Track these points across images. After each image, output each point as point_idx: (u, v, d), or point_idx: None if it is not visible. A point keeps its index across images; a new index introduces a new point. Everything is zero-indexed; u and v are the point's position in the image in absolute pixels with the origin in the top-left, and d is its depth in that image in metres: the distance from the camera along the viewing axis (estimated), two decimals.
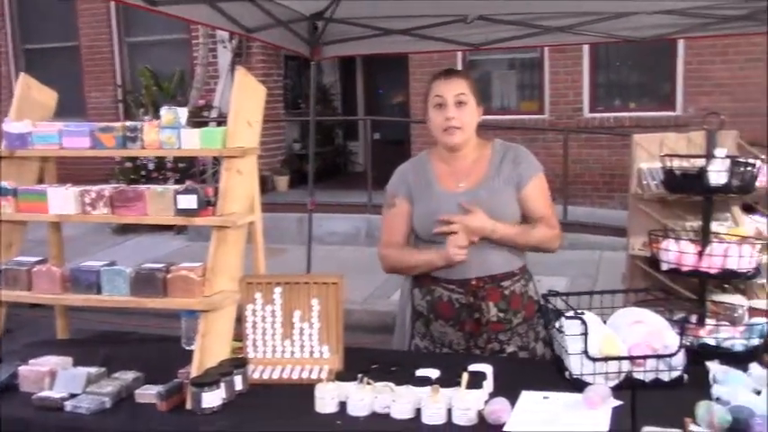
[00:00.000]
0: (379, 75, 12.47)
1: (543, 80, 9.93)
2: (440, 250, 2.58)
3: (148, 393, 2.20)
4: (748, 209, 3.54)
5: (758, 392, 2.06)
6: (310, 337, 2.43)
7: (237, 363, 2.29)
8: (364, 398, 2.09)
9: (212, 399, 2.11)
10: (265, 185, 10.44)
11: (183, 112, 2.42)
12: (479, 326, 2.62)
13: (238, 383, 2.23)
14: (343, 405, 2.12)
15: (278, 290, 2.44)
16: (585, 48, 9.50)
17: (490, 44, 5.04)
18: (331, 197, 9.27)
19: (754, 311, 2.72)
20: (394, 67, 10.91)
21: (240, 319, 2.45)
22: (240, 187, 2.45)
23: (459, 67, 9.71)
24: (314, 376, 2.33)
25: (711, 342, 2.44)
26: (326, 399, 2.11)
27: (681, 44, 9.24)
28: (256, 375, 2.36)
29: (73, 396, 2.21)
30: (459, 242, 2.53)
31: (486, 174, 2.67)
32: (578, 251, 7.77)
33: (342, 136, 12.70)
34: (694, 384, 2.19)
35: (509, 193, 2.65)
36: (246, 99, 2.49)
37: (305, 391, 2.19)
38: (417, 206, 2.69)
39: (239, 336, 2.47)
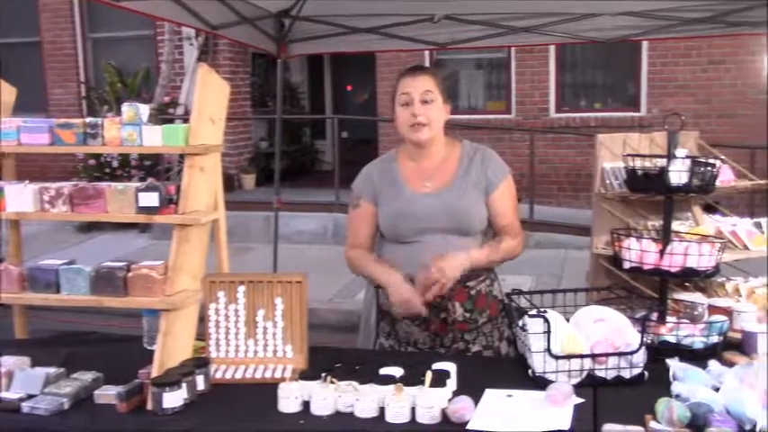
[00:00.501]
0: (347, 73, 12.46)
1: (510, 80, 10.00)
2: (396, 282, 2.54)
3: (108, 394, 2.17)
4: (709, 208, 3.60)
5: (717, 389, 2.09)
6: (274, 336, 2.42)
7: (200, 362, 2.26)
8: (327, 397, 2.08)
9: (173, 399, 2.08)
10: (232, 184, 10.37)
11: (144, 109, 2.38)
12: (445, 325, 2.63)
13: (200, 383, 2.21)
14: (306, 404, 2.11)
15: (241, 289, 2.42)
16: (551, 48, 9.59)
17: (456, 44, 5.06)
18: (298, 196, 9.22)
19: (713, 309, 2.75)
20: (362, 65, 10.91)
21: (203, 319, 2.42)
22: (203, 185, 2.42)
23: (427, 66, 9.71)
24: (277, 375, 2.32)
25: (672, 339, 2.47)
26: (290, 398, 2.10)
27: (645, 46, 9.36)
28: (219, 375, 2.34)
29: (30, 397, 2.17)
30: (422, 299, 2.51)
31: (454, 174, 2.66)
32: (544, 250, 7.84)
33: (309, 135, 12.66)
34: (655, 381, 2.22)
35: (476, 196, 2.65)
36: (210, 96, 2.46)
37: (268, 390, 2.17)
38: (383, 207, 2.68)
39: (202, 335, 2.44)
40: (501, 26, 4.77)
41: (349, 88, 12.76)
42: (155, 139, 2.35)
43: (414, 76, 2.63)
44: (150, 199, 2.30)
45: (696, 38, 7.37)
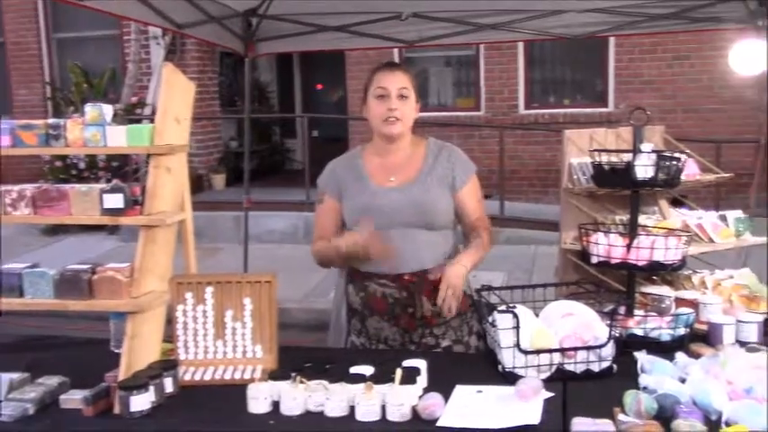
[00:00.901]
0: (316, 72, 12.41)
1: (479, 77, 10.04)
2: (348, 239, 2.53)
3: (74, 398, 2.13)
4: (677, 202, 3.64)
5: (684, 380, 2.12)
6: (243, 336, 2.40)
7: (168, 365, 2.23)
8: (297, 397, 2.07)
9: (141, 402, 2.06)
10: (201, 184, 10.30)
11: (108, 109, 2.35)
12: (414, 320, 2.63)
13: (169, 386, 2.18)
14: (276, 405, 2.10)
15: (209, 289, 2.39)
16: (520, 45, 9.64)
17: (425, 41, 5.07)
18: (269, 195, 9.18)
19: (680, 302, 2.78)
20: (331, 64, 10.88)
21: (171, 321, 2.40)
22: (169, 185, 2.39)
23: None
24: (247, 376, 2.30)
25: (639, 332, 2.50)
26: (259, 399, 2.08)
27: (612, 42, 9.46)
28: (188, 377, 2.31)
29: None
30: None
31: (420, 170, 2.67)
32: (514, 246, 7.89)
33: (280, 134, 12.60)
34: (623, 374, 2.24)
35: (442, 191, 2.66)
36: (175, 95, 2.44)
37: (238, 391, 2.15)
38: (347, 201, 2.68)
39: (170, 337, 2.42)
40: (468, 23, 4.79)
41: (319, 87, 12.71)
42: (119, 139, 2.32)
43: (391, 71, 2.64)
44: (115, 200, 2.27)
45: (661, 34, 7.45)
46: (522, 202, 9.44)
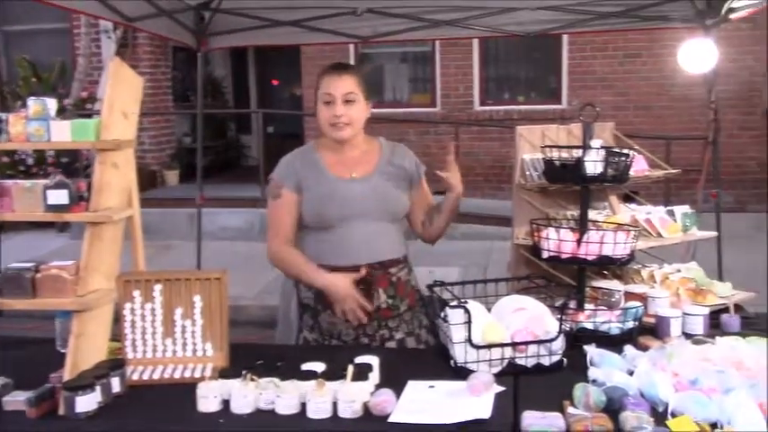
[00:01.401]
0: (271, 67, 12.32)
1: (434, 74, 10.06)
2: (333, 280, 2.57)
3: (17, 400, 2.08)
4: (628, 198, 3.69)
5: (632, 373, 2.15)
6: (193, 334, 2.36)
7: (115, 364, 2.19)
8: (248, 395, 2.04)
9: (87, 403, 2.01)
10: (154, 180, 10.15)
11: (52, 103, 2.29)
12: (369, 313, 2.63)
13: (116, 386, 2.14)
14: (227, 403, 2.07)
15: (158, 287, 2.35)
16: (475, 42, 9.70)
17: (380, 37, 5.06)
18: (223, 191, 9.10)
19: (629, 296, 2.83)
20: (287, 59, 10.80)
21: (118, 319, 2.35)
22: (116, 181, 2.34)
23: (352, 60, 9.71)
24: (197, 375, 2.27)
25: (589, 326, 2.53)
26: (209, 397, 2.06)
27: (565, 40, 9.57)
28: (136, 376, 2.27)
29: None
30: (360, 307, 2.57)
31: (378, 164, 2.71)
32: (470, 242, 7.93)
33: (234, 129, 12.47)
34: (574, 368, 2.26)
35: (401, 186, 2.72)
36: (122, 90, 2.39)
37: (187, 390, 2.12)
38: (307, 192, 2.66)
39: (118, 336, 2.37)
40: (423, 19, 4.79)
41: (275, 83, 12.62)
42: (63, 134, 2.26)
43: (338, 75, 2.63)
44: (59, 196, 2.21)
45: (612, 32, 7.56)
46: (478, 198, 9.49)
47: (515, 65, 10.21)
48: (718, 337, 2.43)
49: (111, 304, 2.30)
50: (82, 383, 2.03)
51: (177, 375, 2.28)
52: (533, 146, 3.15)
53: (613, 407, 1.96)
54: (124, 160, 2.38)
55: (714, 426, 1.83)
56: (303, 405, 2.03)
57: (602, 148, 2.64)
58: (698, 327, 2.61)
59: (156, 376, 2.28)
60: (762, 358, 2.16)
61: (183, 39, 4.85)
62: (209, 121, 10.49)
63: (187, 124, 11.25)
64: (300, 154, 2.78)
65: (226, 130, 12.18)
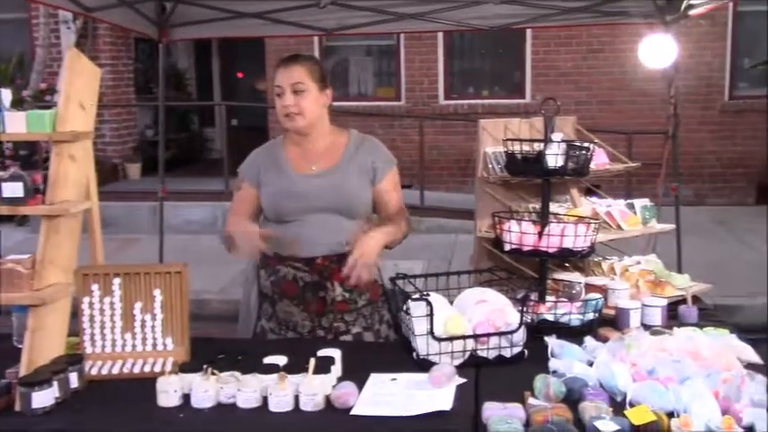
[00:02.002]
0: (236, 59, 12.20)
1: (399, 67, 10.06)
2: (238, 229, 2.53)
3: None
4: (591, 192, 3.72)
5: (591, 363, 2.18)
6: (153, 329, 2.34)
7: (73, 359, 2.16)
8: (209, 389, 2.03)
9: (44, 398, 1.98)
10: (116, 173, 10.02)
11: (6, 94, 2.24)
12: (324, 305, 2.64)
13: (74, 381, 2.11)
14: (187, 397, 2.05)
15: (117, 281, 2.32)
16: (440, 36, 9.71)
17: (344, 30, 5.03)
18: (187, 185, 9.01)
19: (590, 288, 2.86)
20: (251, 51, 10.70)
21: (77, 314, 2.31)
22: (73, 173, 2.30)
23: (317, 53, 9.67)
24: (157, 369, 2.25)
25: (550, 318, 2.55)
26: (169, 392, 2.04)
27: (529, 35, 9.63)
28: (94, 371, 2.24)
29: None
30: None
31: (341, 159, 2.70)
32: (434, 235, 7.97)
33: (198, 122, 12.34)
34: (535, 359, 2.28)
35: (363, 181, 2.69)
36: (79, 80, 2.34)
37: (147, 385, 2.10)
38: (266, 187, 2.67)
39: (77, 331, 2.33)
40: (388, 12, 4.78)
41: (240, 75, 12.51)
42: (18, 125, 2.22)
43: (286, 67, 2.63)
44: (14, 189, 2.17)
45: (575, 27, 7.65)
46: (442, 191, 9.53)
47: (480, 59, 10.26)
48: (675, 328, 2.46)
49: (68, 298, 2.27)
50: (38, 379, 2.00)
51: (137, 370, 2.26)
52: (496, 139, 3.17)
53: (573, 397, 1.98)
54: (82, 152, 2.34)
55: (671, 414, 1.85)
56: (265, 399, 2.02)
57: (562, 141, 2.66)
58: (656, 318, 2.65)
59: (115, 371, 2.25)
60: (717, 348, 2.20)
61: (144, 30, 4.78)
62: (171, 113, 10.38)
63: (149, 117, 11.11)
64: (267, 148, 2.80)
65: (189, 123, 12.05)
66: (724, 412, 1.82)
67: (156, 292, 2.34)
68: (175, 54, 11.62)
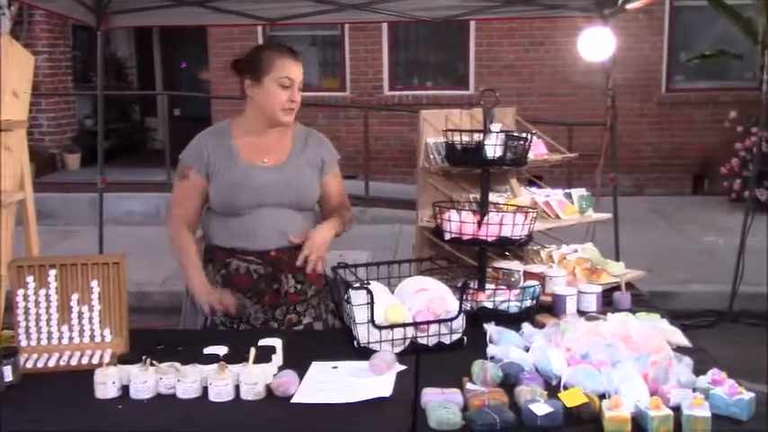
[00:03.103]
0: (178, 48, 12.02)
1: (344, 58, 10.05)
2: (204, 286, 2.62)
3: None
4: (533, 182, 3.79)
5: (528, 349, 2.23)
6: (90, 320, 2.30)
7: (7, 352, 2.12)
8: (148, 380, 2.02)
9: None
10: (54, 164, 9.79)
11: None
12: (278, 297, 2.65)
13: (8, 375, 2.07)
14: (126, 389, 2.04)
15: (53, 272, 2.28)
16: (384, 27, 9.72)
17: (287, 19, 5.02)
18: (128, 175, 8.87)
19: (528, 275, 2.92)
20: (193, 40, 10.56)
21: (11, 307, 2.27)
22: (7, 164, 2.26)
23: (261, 42, 9.58)
24: (95, 361, 2.22)
25: (489, 305, 2.60)
26: (107, 383, 2.02)
27: (473, 26, 9.71)
28: (30, 365, 2.20)
29: None
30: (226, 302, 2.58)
31: (291, 151, 2.70)
32: (379, 225, 8.00)
33: (139, 112, 12.12)
34: (474, 345, 2.32)
35: (312, 173, 2.72)
36: (12, 68, 2.30)
37: (85, 377, 2.07)
38: (217, 179, 2.63)
39: (11, 324, 2.29)
40: (331, 3, 4.78)
41: (184, 65, 12.32)
42: None
43: (295, 60, 2.63)
44: None
45: (518, 19, 7.74)
46: (388, 182, 9.57)
47: (424, 50, 10.31)
48: (609, 314, 2.54)
49: (2, 291, 2.22)
50: None
51: (74, 362, 2.23)
52: (437, 130, 3.20)
53: (509, 382, 2.03)
54: (17, 142, 2.30)
55: (603, 396, 1.91)
56: (205, 389, 2.02)
57: (501, 132, 2.71)
58: (591, 304, 2.73)
59: (51, 364, 2.22)
60: (648, 332, 2.27)
61: (81, 17, 4.69)
62: (112, 103, 10.17)
63: (89, 106, 10.86)
64: (213, 136, 2.72)
65: (130, 113, 11.82)
66: (652, 393, 1.89)
67: (94, 284, 2.30)
68: (115, 42, 11.38)
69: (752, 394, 1.87)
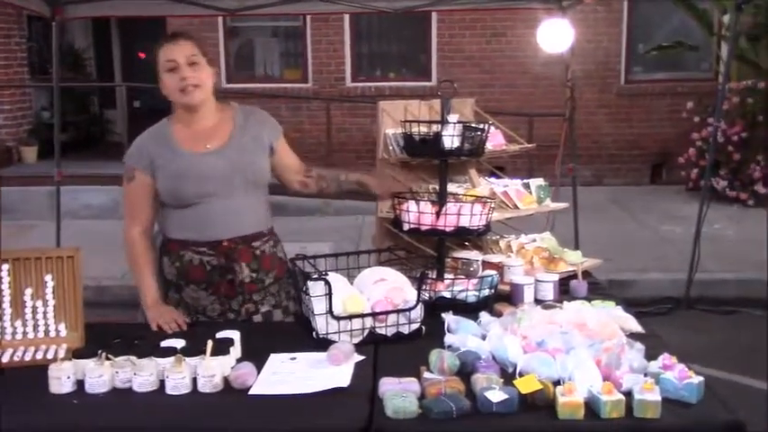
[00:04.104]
0: (137, 39, 11.83)
1: (306, 49, 10.00)
2: (155, 302, 2.58)
3: None
4: (494, 173, 3.82)
5: (485, 337, 2.25)
6: (45, 315, 2.28)
7: None
8: (103, 374, 2.00)
9: None
10: (10, 157, 9.60)
11: None
12: (233, 287, 2.63)
13: None
14: (81, 384, 2.02)
15: (5, 267, 2.25)
16: (346, 18, 9.70)
17: (247, 10, 4.98)
18: (87, 168, 8.71)
19: (487, 265, 2.94)
20: (153, 31, 10.37)
21: None
22: None
23: (221, 34, 9.52)
24: (50, 356, 2.19)
25: (448, 295, 2.62)
26: (62, 378, 1.99)
27: (434, 18, 9.73)
28: None
29: None
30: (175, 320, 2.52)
31: (232, 133, 2.66)
32: (343, 217, 7.99)
33: (98, 104, 11.92)
34: (432, 335, 2.34)
35: (259, 151, 2.68)
36: None
37: (39, 372, 2.05)
38: (162, 171, 2.60)
39: None
40: None
41: (142, 56, 12.14)
42: None
43: (176, 42, 2.58)
44: None
45: (479, 11, 7.77)
46: (351, 173, 9.55)
47: (387, 41, 10.30)
48: (566, 302, 2.57)
49: None
50: None
51: (28, 358, 2.20)
52: (396, 121, 3.20)
53: (466, 370, 2.05)
54: None
55: (558, 383, 1.94)
56: (162, 382, 2.01)
57: (458, 122, 2.72)
58: (549, 293, 2.76)
59: (5, 359, 2.19)
60: (602, 319, 2.32)
61: (34, 7, 4.62)
62: (70, 95, 9.99)
63: (46, 98, 10.65)
64: (153, 132, 2.70)
65: (89, 105, 11.62)
66: (605, 379, 1.92)
67: (48, 278, 2.27)
68: (73, 33, 11.18)
69: (701, 378, 1.92)
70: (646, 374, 1.96)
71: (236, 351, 2.18)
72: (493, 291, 2.68)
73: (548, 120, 8.45)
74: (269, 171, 2.72)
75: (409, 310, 2.34)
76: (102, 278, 6.01)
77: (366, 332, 2.32)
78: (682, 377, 1.90)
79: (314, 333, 2.32)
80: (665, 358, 2.00)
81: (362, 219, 7.88)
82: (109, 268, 6.17)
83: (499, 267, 2.91)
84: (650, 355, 2.06)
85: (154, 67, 2.60)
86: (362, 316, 2.30)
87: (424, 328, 2.39)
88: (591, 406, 1.84)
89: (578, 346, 2.08)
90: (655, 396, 1.82)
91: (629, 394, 1.86)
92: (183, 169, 2.58)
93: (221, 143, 2.63)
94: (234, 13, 5.06)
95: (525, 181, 3.47)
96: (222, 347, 2.11)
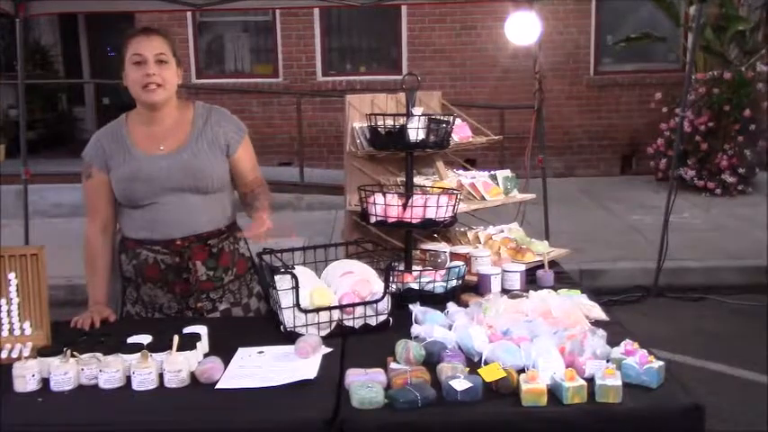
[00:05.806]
0: (105, 36, 11.72)
1: (276, 44, 9.97)
2: (94, 302, 2.60)
3: None
4: (464, 166, 3.84)
5: (452, 327, 2.27)
6: (9, 313, 2.26)
7: None
8: (69, 371, 1.99)
9: None
10: None
11: None
12: (189, 286, 2.61)
13: None
14: (47, 382, 2.01)
15: None
16: (316, 12, 9.68)
17: (214, 5, 4.97)
18: (56, 166, 8.64)
19: (454, 256, 2.97)
20: (121, 27, 10.28)
21: None
22: None
23: (190, 30, 9.45)
24: (14, 355, 2.17)
25: (415, 286, 2.64)
26: (26, 377, 1.98)
27: (404, 11, 9.75)
28: None
29: None
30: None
31: (189, 136, 2.61)
32: (315, 212, 8.00)
33: (66, 101, 11.80)
34: (400, 326, 2.36)
35: (215, 155, 2.62)
36: None
37: (3, 371, 2.04)
38: (115, 172, 2.58)
39: None
40: None
41: (112, 52, 12.01)
42: None
43: (147, 36, 2.54)
44: None
45: (449, 4, 7.81)
46: (323, 168, 9.56)
47: (357, 36, 10.31)
48: (532, 291, 2.60)
49: None
50: None
51: None
52: (363, 114, 3.21)
53: (433, 360, 2.07)
54: None
55: (522, 370, 1.97)
56: (129, 378, 2.00)
57: (423, 115, 2.74)
58: (515, 283, 2.79)
59: None
60: (567, 307, 2.35)
61: None
62: (37, 92, 9.90)
63: (13, 96, 10.51)
64: (109, 130, 2.66)
65: (57, 102, 11.50)
66: (569, 365, 1.95)
67: (11, 276, 2.26)
68: (39, 30, 11.04)
69: (661, 363, 1.95)
70: (608, 360, 1.99)
71: (203, 346, 2.18)
72: (460, 281, 2.70)
73: (520, 112, 8.51)
74: (225, 173, 2.66)
75: (376, 302, 2.36)
76: (74, 277, 5.94)
77: (333, 324, 2.33)
78: (643, 362, 1.94)
79: (281, 326, 2.33)
80: (627, 344, 2.03)
81: (335, 213, 7.88)
82: (80, 267, 6.10)
83: (466, 258, 2.94)
84: (613, 342, 2.09)
85: (120, 58, 2.56)
86: (330, 309, 2.31)
87: (391, 319, 2.40)
88: (554, 392, 1.87)
89: (542, 334, 2.11)
90: (616, 381, 1.85)
91: (591, 380, 1.89)
92: (135, 171, 2.55)
93: (176, 145, 2.59)
94: (201, 7, 5.04)
95: (492, 172, 3.50)
96: (188, 343, 2.11)
